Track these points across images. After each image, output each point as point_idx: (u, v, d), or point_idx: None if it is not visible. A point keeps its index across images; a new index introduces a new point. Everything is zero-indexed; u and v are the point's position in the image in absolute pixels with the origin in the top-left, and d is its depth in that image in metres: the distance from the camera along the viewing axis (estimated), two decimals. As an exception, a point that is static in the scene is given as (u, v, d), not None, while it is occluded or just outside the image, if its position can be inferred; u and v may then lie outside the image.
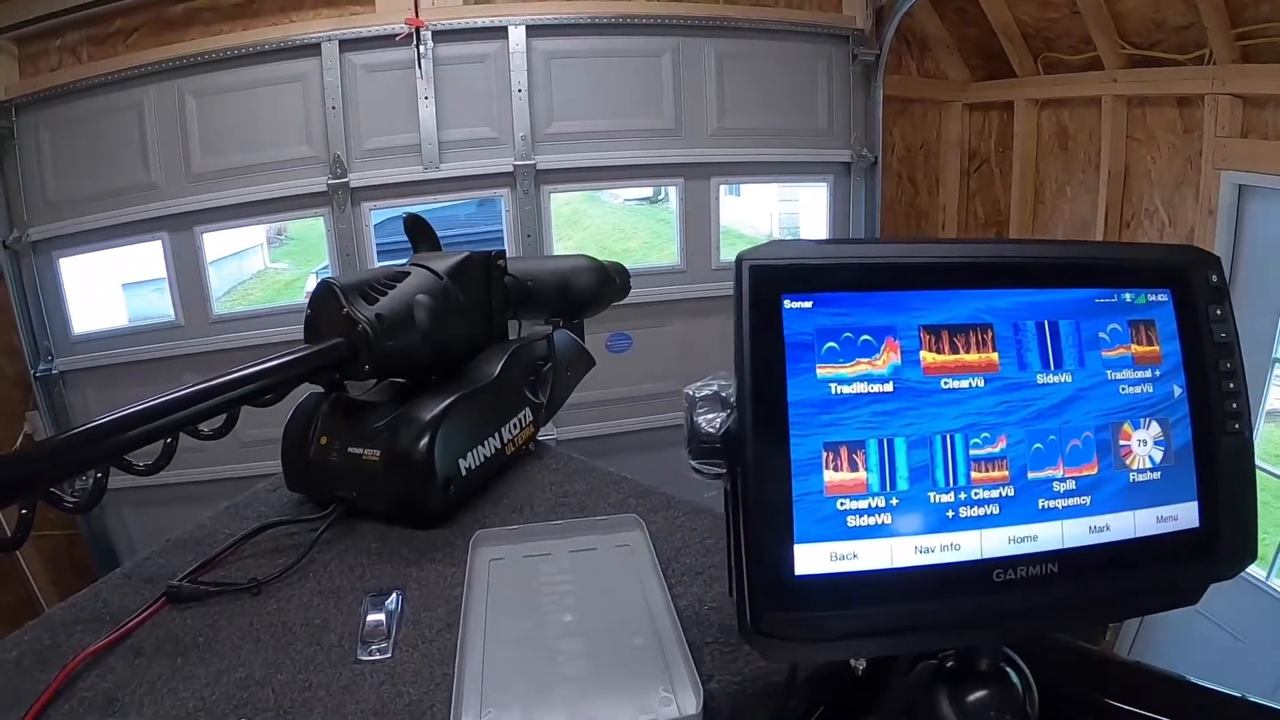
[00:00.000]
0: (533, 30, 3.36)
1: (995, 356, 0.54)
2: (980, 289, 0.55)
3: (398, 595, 0.91)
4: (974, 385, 0.53)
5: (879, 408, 0.52)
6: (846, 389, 0.52)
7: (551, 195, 3.54)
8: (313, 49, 3.26)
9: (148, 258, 3.47)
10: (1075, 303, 0.56)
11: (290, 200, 3.35)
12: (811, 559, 0.51)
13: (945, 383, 0.53)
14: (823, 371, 0.52)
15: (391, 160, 3.35)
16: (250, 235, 4.76)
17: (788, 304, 0.52)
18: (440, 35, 3.27)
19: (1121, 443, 0.55)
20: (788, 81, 3.75)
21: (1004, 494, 0.53)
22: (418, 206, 3.52)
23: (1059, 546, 0.53)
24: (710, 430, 0.56)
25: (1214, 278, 0.59)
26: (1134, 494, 0.55)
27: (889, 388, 0.52)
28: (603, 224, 4.43)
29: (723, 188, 3.79)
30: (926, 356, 0.53)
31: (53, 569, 3.65)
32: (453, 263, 1.24)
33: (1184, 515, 0.56)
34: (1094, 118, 3.38)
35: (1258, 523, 0.58)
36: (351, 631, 0.86)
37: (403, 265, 1.23)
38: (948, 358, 0.53)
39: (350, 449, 1.08)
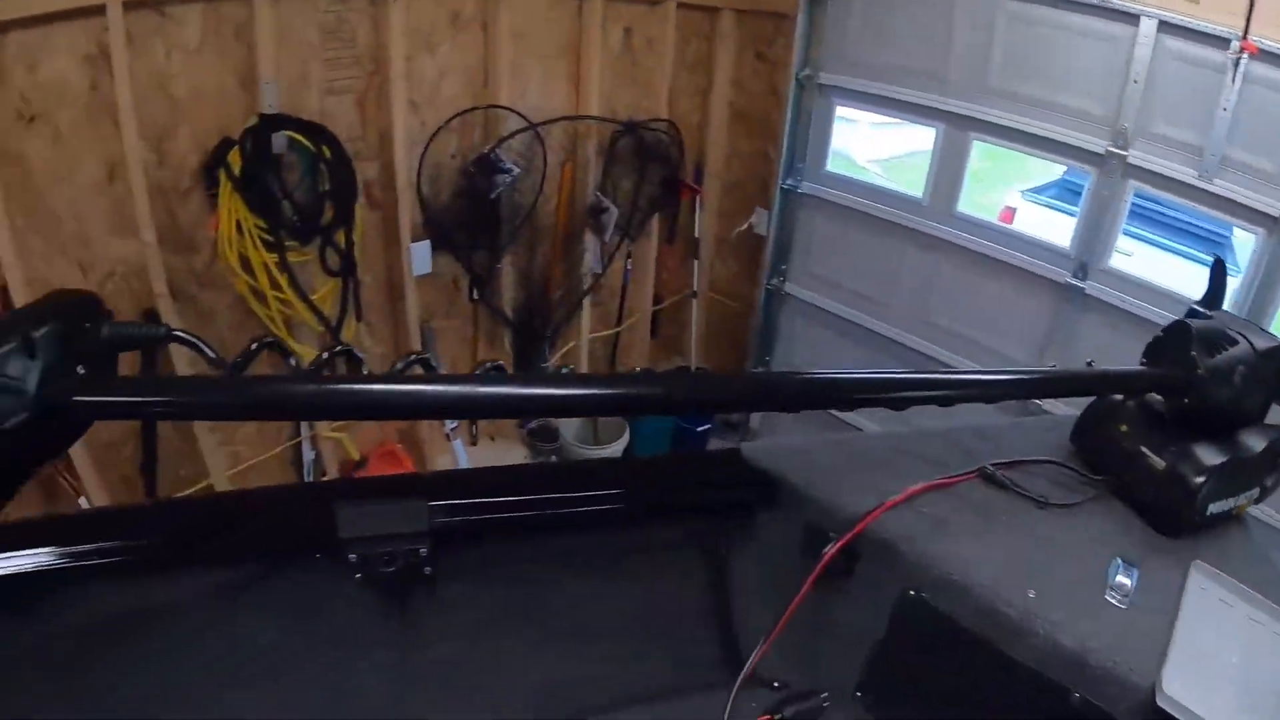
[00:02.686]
0: (1387, 81, 2.87)
1: None
2: None
3: (1135, 570, 1.23)
4: None
5: None
6: None
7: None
8: (1132, 19, 3.18)
9: (916, 138, 3.86)
10: None
11: (1063, 147, 3.43)
12: None
13: None
14: None
15: (1170, 152, 3.23)
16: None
17: None
18: (1261, 56, 2.95)
19: None
20: None
21: None
22: (1177, 211, 3.47)
23: None
24: None
25: None
26: None
27: None
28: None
29: None
30: None
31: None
32: (1271, 346, 1.40)
33: None
34: None
35: None
36: (1100, 577, 1.20)
37: (1233, 332, 1.40)
38: None
39: (1141, 447, 1.38)
